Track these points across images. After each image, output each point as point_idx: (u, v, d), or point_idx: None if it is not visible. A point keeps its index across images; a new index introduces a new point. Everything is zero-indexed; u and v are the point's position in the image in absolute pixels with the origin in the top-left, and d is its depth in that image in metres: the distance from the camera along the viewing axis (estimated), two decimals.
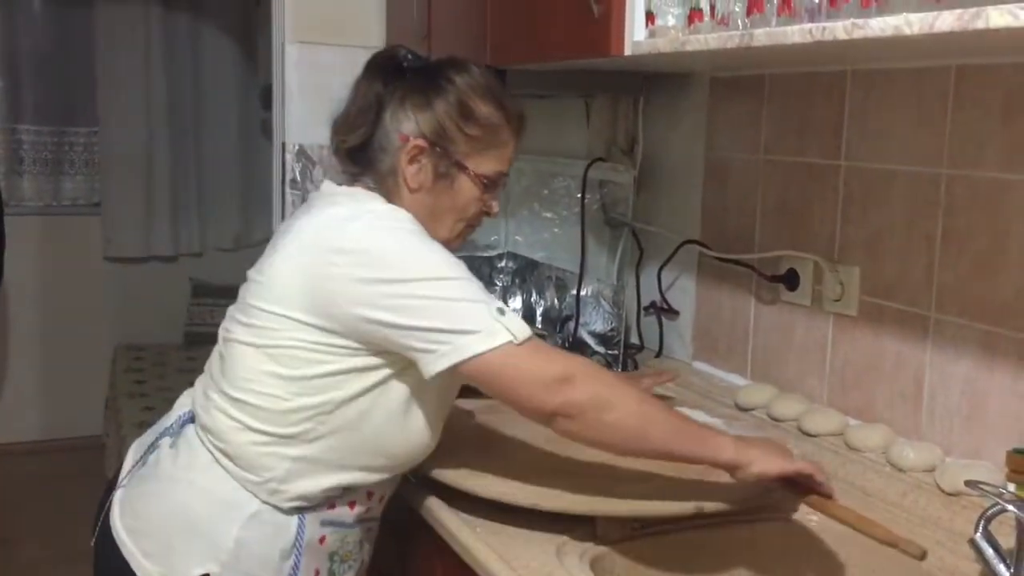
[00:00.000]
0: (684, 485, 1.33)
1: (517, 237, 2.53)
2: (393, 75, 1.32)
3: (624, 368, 2.00)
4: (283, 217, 2.34)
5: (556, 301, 2.30)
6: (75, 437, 4.20)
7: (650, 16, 1.36)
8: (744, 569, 1.38)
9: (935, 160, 1.42)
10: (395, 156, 1.30)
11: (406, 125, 1.29)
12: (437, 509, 1.36)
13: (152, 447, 1.37)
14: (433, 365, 1.17)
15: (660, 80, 1.99)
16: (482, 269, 2.53)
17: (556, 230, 2.37)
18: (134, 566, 1.29)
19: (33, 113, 4.26)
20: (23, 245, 4.08)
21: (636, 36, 1.39)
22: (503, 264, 2.55)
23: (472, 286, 1.19)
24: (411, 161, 1.29)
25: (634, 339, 2.11)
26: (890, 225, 1.50)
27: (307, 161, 2.32)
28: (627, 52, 1.40)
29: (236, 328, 1.30)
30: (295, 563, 1.30)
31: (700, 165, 1.92)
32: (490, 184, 1.33)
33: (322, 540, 1.32)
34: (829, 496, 1.25)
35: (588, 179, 2.10)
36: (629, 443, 1.21)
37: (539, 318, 2.37)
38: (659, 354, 2.04)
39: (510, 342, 1.15)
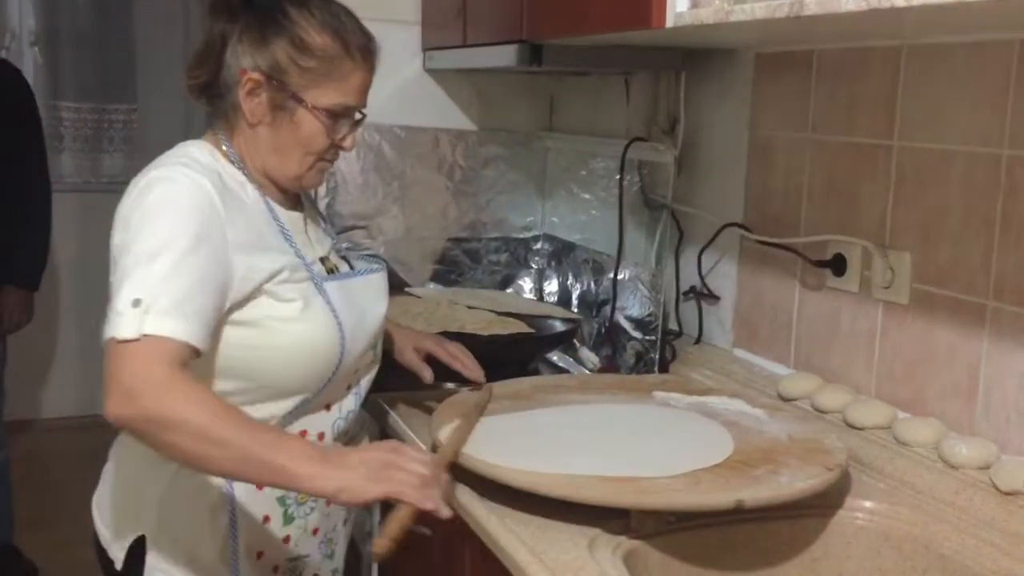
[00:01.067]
0: (724, 476, 1.26)
1: (553, 219, 2.47)
2: (237, 9, 1.31)
3: (661, 353, 1.94)
4: (315, 195, 2.30)
5: (592, 285, 2.24)
6: None
7: None
8: (785, 566, 1.32)
9: (996, 140, 1.34)
10: (235, 91, 1.30)
11: (244, 60, 1.29)
12: (464, 496, 1.32)
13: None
14: None
15: (703, 56, 1.91)
16: (517, 251, 2.48)
17: (594, 212, 2.31)
18: (98, 532, 1.36)
19: (73, 90, 4.26)
20: (62, 223, 4.04)
21: (679, 7, 1.32)
22: (539, 246, 2.50)
23: (147, 267, 1.14)
24: (249, 95, 1.29)
25: (672, 325, 2.05)
26: (945, 209, 1.43)
27: None
28: (669, 24, 1.33)
29: None
30: (230, 518, 1.30)
31: (744, 145, 1.84)
32: (333, 116, 1.31)
33: (260, 486, 1.28)
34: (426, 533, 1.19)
35: (627, 159, 2.04)
36: (195, 465, 1.15)
37: (575, 301, 2.32)
38: (698, 340, 1.98)
39: (112, 337, 1.12)
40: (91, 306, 4.28)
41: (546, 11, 1.71)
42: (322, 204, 2.30)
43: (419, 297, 2.19)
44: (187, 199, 1.21)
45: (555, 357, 2.17)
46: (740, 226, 1.83)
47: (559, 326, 2.08)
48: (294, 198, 1.40)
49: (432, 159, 2.38)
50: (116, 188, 4.56)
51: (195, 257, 1.17)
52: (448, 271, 2.42)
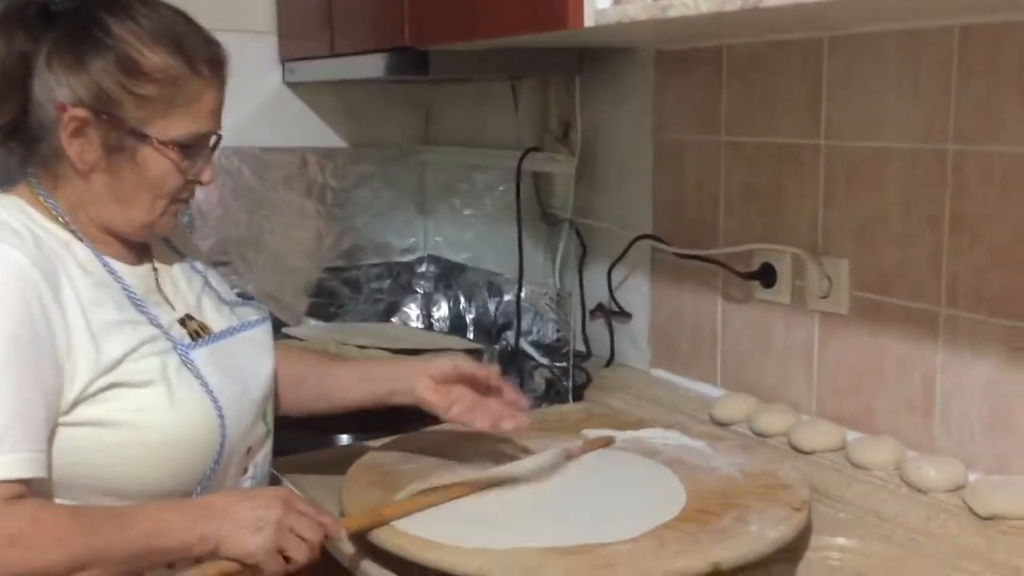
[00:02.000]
0: (691, 533, 1.12)
1: (437, 238, 2.29)
2: (41, 24, 1.04)
3: (573, 380, 1.79)
4: None
5: (489, 308, 2.07)
6: None
7: None
8: None
9: (939, 135, 1.24)
10: (54, 132, 1.04)
11: (60, 91, 1.02)
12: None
13: None
14: None
15: (597, 56, 1.77)
16: (400, 276, 2.28)
17: (481, 228, 2.15)
18: None
19: None
20: None
21: (600, 3, 1.16)
22: (423, 269, 2.31)
23: None
24: (73, 136, 1.03)
25: (579, 346, 1.90)
26: (884, 210, 1.33)
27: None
28: (588, 24, 1.17)
29: None
30: None
31: (648, 151, 1.71)
32: (185, 149, 1.07)
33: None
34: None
35: (516, 170, 1.88)
36: None
37: (470, 327, 2.14)
38: (610, 362, 1.84)
39: None
40: None
41: (433, 14, 1.52)
42: None
43: (301, 340, 1.97)
44: (12, 279, 0.96)
45: None
46: (653, 238, 1.70)
47: None
48: (140, 248, 1.15)
49: (300, 181, 2.15)
50: None
51: (15, 366, 0.94)
52: (326, 304, 2.20)
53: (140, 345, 1.04)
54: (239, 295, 1.30)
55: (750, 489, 1.24)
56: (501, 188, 2.06)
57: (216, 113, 1.09)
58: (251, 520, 1.00)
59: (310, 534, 1.02)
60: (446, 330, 2.21)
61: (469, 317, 2.15)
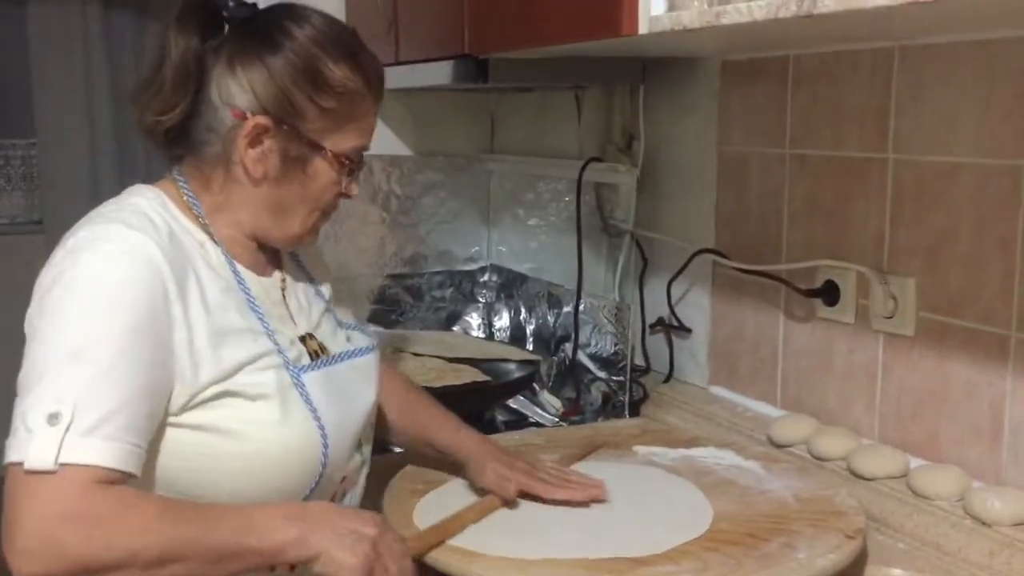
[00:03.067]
0: (735, 556, 1.08)
1: (501, 248, 2.28)
2: (212, 27, 1.03)
3: (630, 395, 1.75)
4: None
5: (549, 319, 2.05)
6: None
7: None
8: None
9: (1012, 151, 1.18)
10: (228, 137, 1.03)
11: (240, 97, 1.02)
12: None
13: None
14: None
15: (662, 66, 1.74)
16: (463, 285, 2.28)
17: (544, 238, 2.13)
18: None
19: None
20: None
21: (654, 10, 1.13)
22: (486, 278, 2.30)
23: (67, 367, 0.89)
24: (252, 144, 1.02)
25: (639, 360, 1.87)
26: (954, 229, 1.27)
27: None
28: (642, 30, 1.15)
29: None
30: None
31: (712, 163, 1.67)
32: (351, 164, 1.08)
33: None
34: None
35: (581, 182, 1.85)
36: None
37: (530, 338, 2.12)
38: (669, 377, 1.80)
39: (20, 463, 0.86)
40: None
41: (492, 22, 1.52)
42: None
43: None
44: (124, 276, 0.94)
45: (513, 402, 1.97)
46: (713, 252, 1.66)
47: (516, 371, 1.89)
48: (271, 258, 1.13)
49: (365, 188, 2.16)
50: (17, 230, 4.28)
51: (130, 357, 0.92)
52: (388, 311, 2.21)
53: (258, 357, 1.02)
54: (355, 326, 1.25)
55: (803, 514, 1.20)
56: (567, 199, 2.04)
57: (374, 130, 1.11)
58: (349, 532, 0.95)
59: (396, 566, 0.97)
60: (507, 340, 2.20)
61: (529, 328, 2.13)
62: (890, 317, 1.36)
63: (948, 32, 1.23)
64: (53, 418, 0.87)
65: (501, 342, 2.18)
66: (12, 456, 0.87)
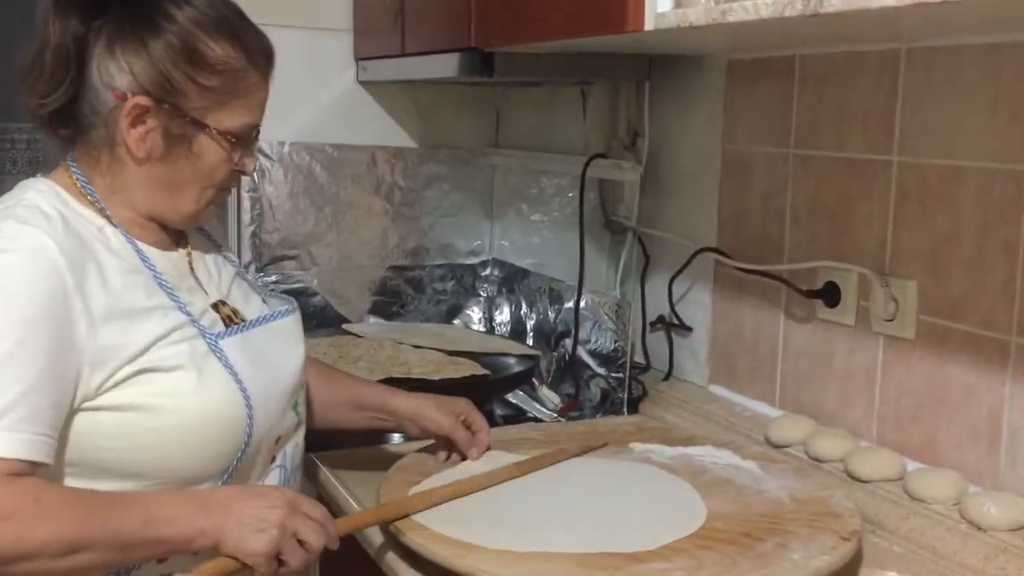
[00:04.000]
0: (730, 555, 1.08)
1: (503, 242, 2.28)
2: (92, 10, 1.03)
3: (629, 392, 1.75)
4: (238, 223, 2.07)
5: (549, 314, 2.04)
6: None
7: None
8: None
9: (1017, 155, 1.18)
10: (111, 118, 1.04)
11: (120, 78, 1.02)
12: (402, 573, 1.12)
13: None
14: None
15: (667, 63, 1.74)
16: (464, 278, 2.28)
17: (547, 234, 2.13)
18: None
19: None
20: None
21: (660, 7, 1.13)
22: (488, 272, 2.30)
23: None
24: (133, 124, 1.03)
25: (639, 358, 1.87)
26: (956, 232, 1.26)
27: (264, 158, 2.04)
28: (648, 27, 1.14)
29: None
30: None
31: (716, 161, 1.67)
32: (238, 141, 1.09)
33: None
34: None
35: (585, 178, 1.85)
36: None
37: (530, 333, 2.12)
38: (668, 375, 1.80)
39: None
40: None
41: (498, 15, 1.51)
42: (246, 232, 2.07)
43: (359, 336, 1.97)
44: (20, 271, 0.96)
45: (512, 396, 1.97)
46: (716, 251, 1.65)
47: (516, 365, 1.88)
48: (175, 234, 1.15)
49: (369, 180, 2.16)
50: None
51: (29, 347, 0.93)
52: (389, 303, 2.21)
53: (170, 331, 1.04)
54: (277, 294, 1.29)
55: (798, 515, 1.20)
56: (570, 194, 2.04)
57: (264, 105, 1.11)
58: (254, 519, 0.98)
59: (312, 538, 1.00)
60: (507, 334, 2.20)
61: (530, 323, 2.13)
62: (891, 320, 1.35)
63: (955, 34, 1.22)
64: None
65: (501, 336, 2.18)
66: None
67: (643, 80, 1.76)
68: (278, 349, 1.17)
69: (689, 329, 1.76)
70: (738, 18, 1.00)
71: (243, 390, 1.07)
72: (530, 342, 2.09)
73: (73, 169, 1.08)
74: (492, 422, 1.76)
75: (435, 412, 1.30)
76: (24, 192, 1.05)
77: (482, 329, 2.27)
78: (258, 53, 1.08)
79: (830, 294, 1.45)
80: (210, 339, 1.07)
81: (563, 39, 1.34)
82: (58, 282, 0.97)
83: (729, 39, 1.42)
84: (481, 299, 2.30)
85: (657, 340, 1.84)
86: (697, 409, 1.65)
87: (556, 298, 2.02)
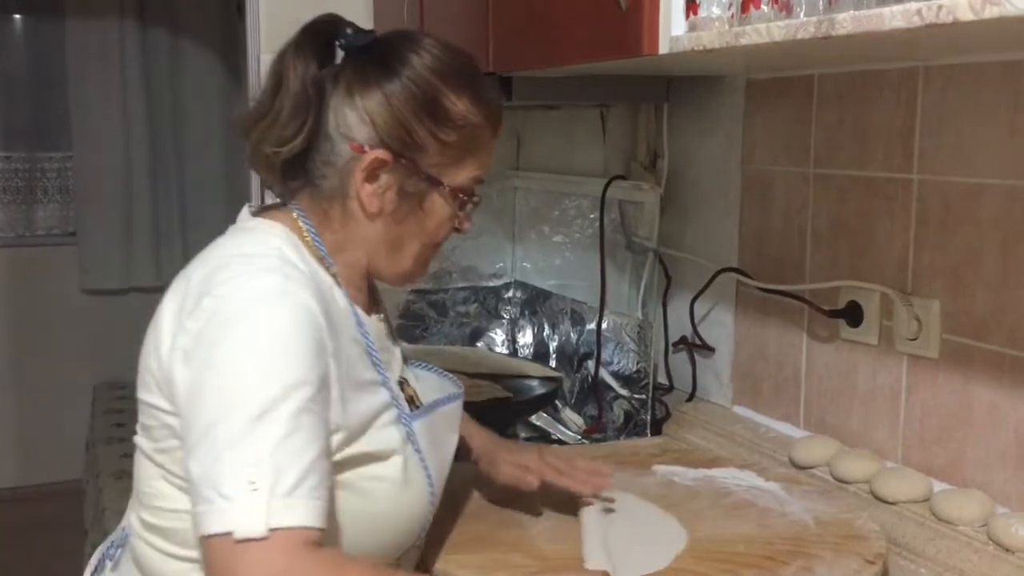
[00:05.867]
0: None
1: (525, 264, 2.28)
2: (329, 54, 1.00)
3: (652, 413, 1.75)
4: None
5: (572, 336, 2.04)
6: (53, 483, 3.94)
7: (691, 5, 1.12)
8: None
9: None
10: (345, 171, 0.99)
11: (358, 130, 0.98)
12: None
13: (99, 568, 1.10)
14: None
15: (686, 85, 1.74)
16: (487, 301, 2.28)
17: (568, 255, 2.13)
18: None
19: (2, 139, 4.01)
20: None
21: (674, 30, 1.14)
22: (510, 294, 2.30)
23: (257, 426, 0.85)
24: (369, 179, 0.98)
25: (662, 379, 1.86)
26: (979, 250, 1.25)
27: None
28: (663, 50, 1.15)
29: (139, 429, 1.02)
30: None
31: (736, 181, 1.67)
32: (468, 198, 1.05)
33: None
34: None
35: (606, 199, 1.85)
36: None
37: (553, 355, 2.12)
38: (692, 396, 1.79)
39: (228, 534, 0.83)
40: (24, 369, 4.07)
41: (516, 40, 1.52)
42: None
43: None
44: (296, 332, 0.89)
45: (535, 419, 1.97)
46: (737, 271, 1.65)
47: (538, 387, 1.88)
48: (371, 294, 1.08)
49: None
50: (51, 241, 4.36)
51: (313, 414, 0.88)
52: (413, 326, 2.21)
53: (382, 411, 1.00)
54: (428, 366, 1.22)
55: (823, 538, 1.19)
56: (591, 216, 2.04)
57: (492, 158, 1.06)
58: None
59: None
60: (530, 356, 2.20)
61: (552, 344, 2.13)
62: (914, 339, 1.34)
63: (972, 53, 1.22)
64: (252, 484, 0.83)
65: (524, 358, 2.18)
66: (216, 527, 0.83)
67: (662, 101, 1.76)
68: (445, 434, 1.11)
69: (712, 350, 1.75)
70: (751, 41, 1.01)
71: (428, 477, 1.03)
72: (553, 364, 2.09)
73: (303, 222, 1.01)
74: None
75: (513, 474, 1.22)
76: (269, 238, 0.98)
77: (505, 351, 2.27)
78: (495, 109, 1.04)
79: (852, 314, 1.44)
80: (406, 421, 1.02)
81: (580, 63, 1.35)
82: (323, 344, 0.92)
83: (745, 60, 1.43)
84: (504, 321, 2.30)
85: (680, 361, 1.84)
86: (720, 430, 1.65)
87: (578, 319, 2.02)
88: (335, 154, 0.99)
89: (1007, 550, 1.15)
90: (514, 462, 1.22)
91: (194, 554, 0.95)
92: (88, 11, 3.96)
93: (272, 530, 0.83)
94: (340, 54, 1.02)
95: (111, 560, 1.09)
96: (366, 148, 0.98)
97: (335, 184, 1.00)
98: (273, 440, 0.85)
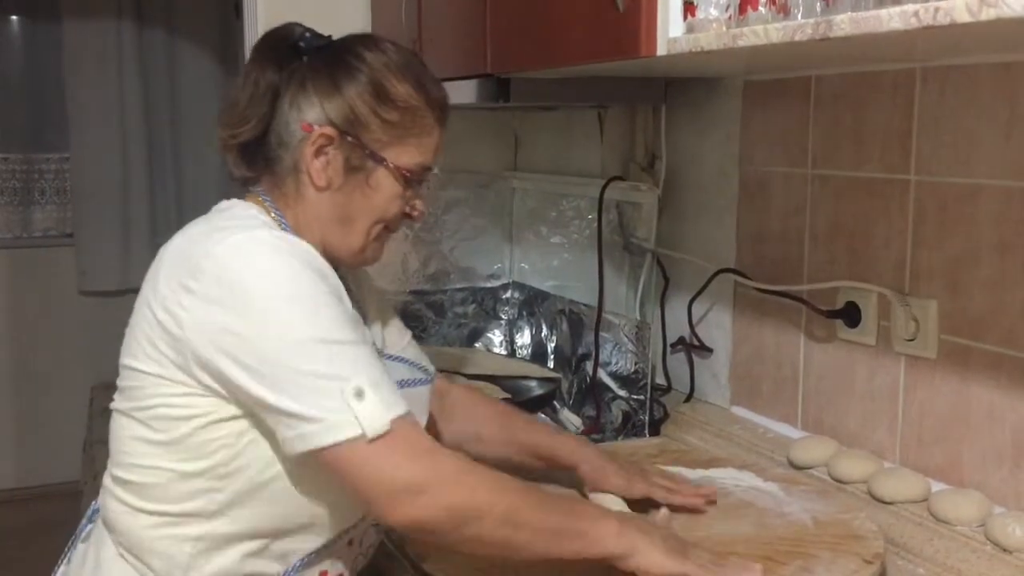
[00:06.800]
0: None
1: (523, 265, 2.28)
2: (289, 58, 1.11)
3: (651, 414, 1.75)
4: None
5: (570, 337, 2.05)
6: (51, 484, 3.93)
7: (689, 7, 1.12)
8: None
9: None
10: (297, 150, 1.09)
11: (309, 112, 1.09)
12: None
13: (72, 543, 1.17)
14: (285, 448, 0.98)
15: (683, 86, 1.74)
16: (485, 302, 2.28)
17: (566, 256, 2.13)
18: None
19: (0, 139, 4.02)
20: None
21: (672, 32, 1.14)
22: (508, 295, 2.30)
23: (335, 355, 0.97)
24: (317, 153, 1.09)
25: (659, 379, 1.86)
26: (976, 251, 1.26)
27: None
28: (661, 52, 1.15)
29: (116, 395, 1.09)
30: None
31: (734, 182, 1.67)
32: (412, 179, 1.12)
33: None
34: None
35: (604, 200, 1.86)
36: (500, 553, 1.02)
37: (551, 355, 2.12)
38: (690, 397, 1.79)
39: (359, 437, 0.94)
40: (22, 370, 4.07)
41: (514, 41, 1.53)
42: None
43: None
44: (318, 267, 1.02)
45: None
46: (735, 272, 1.65)
47: (537, 388, 1.89)
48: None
49: None
50: (49, 242, 4.36)
51: (358, 330, 1.02)
52: (410, 327, 2.18)
53: None
54: (405, 360, 1.27)
55: (821, 538, 1.19)
56: (589, 217, 2.04)
57: (438, 150, 1.15)
58: (656, 531, 1.05)
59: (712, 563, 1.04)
60: (528, 357, 2.20)
61: (550, 345, 2.13)
62: (912, 339, 1.35)
63: (970, 54, 1.22)
64: (359, 393, 0.95)
65: (522, 359, 2.18)
66: (339, 436, 0.94)
67: (660, 102, 1.76)
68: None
69: (710, 350, 1.76)
70: (749, 43, 1.01)
71: None
72: (551, 365, 2.10)
73: (266, 200, 1.12)
74: None
75: (621, 484, 1.28)
76: (244, 211, 1.10)
77: (503, 352, 2.27)
78: (436, 98, 1.14)
79: (850, 314, 1.44)
80: None
81: (577, 65, 1.35)
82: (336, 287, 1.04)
83: (743, 62, 1.43)
84: (502, 322, 2.30)
85: (678, 362, 1.84)
86: (719, 431, 1.65)
87: (576, 320, 2.02)
88: (288, 134, 1.10)
89: (1004, 550, 1.16)
90: (621, 475, 1.28)
91: (164, 507, 1.04)
92: (85, 12, 3.95)
93: (393, 421, 0.95)
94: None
95: (83, 531, 1.15)
96: (315, 127, 1.08)
97: (288, 164, 1.11)
98: (348, 357, 0.97)
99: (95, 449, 3.37)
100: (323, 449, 0.94)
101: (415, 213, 1.15)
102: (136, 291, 3.51)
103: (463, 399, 1.37)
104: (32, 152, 4.09)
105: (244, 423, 1.02)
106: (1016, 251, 1.20)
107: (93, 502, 1.16)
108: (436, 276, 2.24)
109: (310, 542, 1.08)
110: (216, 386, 1.00)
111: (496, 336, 2.30)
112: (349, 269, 1.18)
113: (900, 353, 1.37)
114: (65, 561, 1.17)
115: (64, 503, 3.64)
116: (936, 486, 1.31)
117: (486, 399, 1.44)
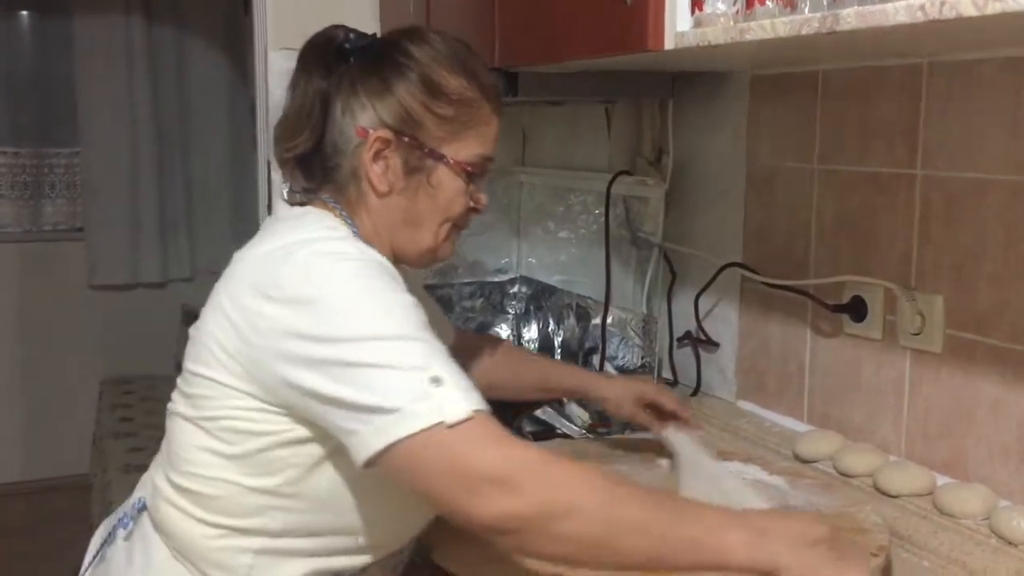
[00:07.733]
0: None
1: (530, 259, 2.29)
2: (335, 62, 1.08)
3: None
4: None
5: (577, 331, 2.05)
6: (60, 476, 3.95)
7: (696, 1, 1.12)
8: None
9: None
10: (355, 156, 1.07)
11: (363, 116, 1.06)
12: None
13: (109, 539, 1.14)
14: (359, 451, 0.91)
15: (691, 80, 1.75)
16: (493, 296, 2.29)
17: (573, 250, 2.14)
18: None
19: (10, 135, 4.02)
20: (1, 273, 3.88)
21: (679, 26, 1.14)
22: (515, 289, 2.31)
23: (410, 347, 0.93)
24: (375, 158, 1.06)
25: (666, 374, 1.87)
26: (982, 246, 1.26)
27: None
28: (668, 46, 1.16)
29: (177, 398, 1.08)
30: None
31: (741, 177, 1.68)
32: (474, 173, 1.10)
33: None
34: None
35: (611, 194, 1.86)
36: (593, 557, 0.90)
37: (558, 349, 2.13)
38: (696, 391, 1.80)
39: (439, 424, 0.88)
40: (32, 363, 4.09)
41: (522, 36, 1.53)
42: None
43: None
44: (389, 273, 1.00)
45: (540, 412, 1.98)
46: (742, 266, 1.66)
47: None
48: None
49: None
50: (59, 236, 4.38)
51: (429, 328, 0.97)
52: None
53: None
54: None
55: None
56: (596, 211, 2.05)
57: (497, 140, 1.12)
58: (801, 537, 0.90)
59: (857, 566, 0.90)
60: (535, 351, 2.21)
61: (557, 339, 2.14)
62: (918, 334, 1.35)
63: (976, 49, 1.23)
64: (437, 381, 0.90)
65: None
66: (419, 424, 0.88)
67: (667, 97, 1.77)
68: None
69: (716, 345, 1.76)
70: (756, 37, 1.02)
71: None
72: (558, 358, 2.10)
73: (339, 211, 1.08)
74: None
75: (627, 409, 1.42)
76: (321, 221, 1.06)
77: None
78: (490, 87, 1.10)
79: (856, 309, 1.45)
80: None
81: (585, 59, 1.36)
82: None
83: (751, 56, 1.43)
84: (509, 316, 2.31)
85: (684, 356, 1.84)
86: (725, 424, 1.66)
87: (583, 315, 2.03)
88: (344, 141, 1.07)
89: (1010, 543, 1.16)
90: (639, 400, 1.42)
91: (225, 520, 1.02)
92: (95, 8, 3.97)
93: (475, 411, 0.89)
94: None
95: (124, 529, 1.12)
96: (370, 131, 1.06)
97: (347, 171, 1.08)
98: (423, 351, 0.92)
99: (104, 443, 3.39)
100: (400, 442, 0.88)
101: (480, 206, 1.12)
102: (146, 285, 3.56)
103: (471, 351, 1.42)
104: (42, 147, 4.11)
105: (316, 447, 1.00)
106: (1022, 246, 1.21)
107: (137, 499, 1.13)
108: (444, 270, 2.25)
109: (362, 559, 1.07)
110: (289, 400, 0.97)
111: (504, 330, 2.31)
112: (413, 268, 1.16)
113: (906, 347, 1.38)
114: (98, 558, 1.14)
115: (71, 496, 3.66)
116: (941, 480, 1.31)
117: (490, 345, 1.48)
